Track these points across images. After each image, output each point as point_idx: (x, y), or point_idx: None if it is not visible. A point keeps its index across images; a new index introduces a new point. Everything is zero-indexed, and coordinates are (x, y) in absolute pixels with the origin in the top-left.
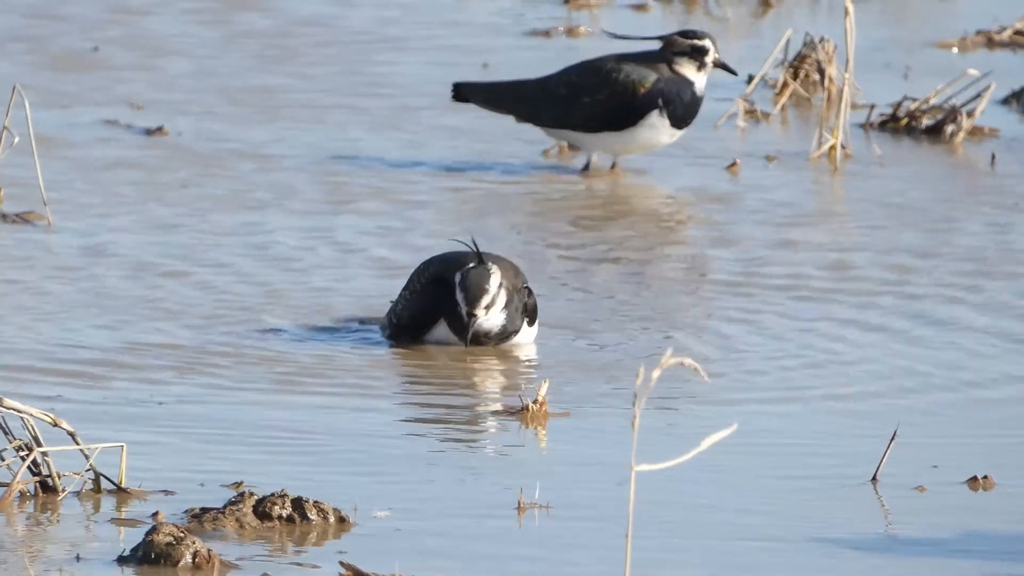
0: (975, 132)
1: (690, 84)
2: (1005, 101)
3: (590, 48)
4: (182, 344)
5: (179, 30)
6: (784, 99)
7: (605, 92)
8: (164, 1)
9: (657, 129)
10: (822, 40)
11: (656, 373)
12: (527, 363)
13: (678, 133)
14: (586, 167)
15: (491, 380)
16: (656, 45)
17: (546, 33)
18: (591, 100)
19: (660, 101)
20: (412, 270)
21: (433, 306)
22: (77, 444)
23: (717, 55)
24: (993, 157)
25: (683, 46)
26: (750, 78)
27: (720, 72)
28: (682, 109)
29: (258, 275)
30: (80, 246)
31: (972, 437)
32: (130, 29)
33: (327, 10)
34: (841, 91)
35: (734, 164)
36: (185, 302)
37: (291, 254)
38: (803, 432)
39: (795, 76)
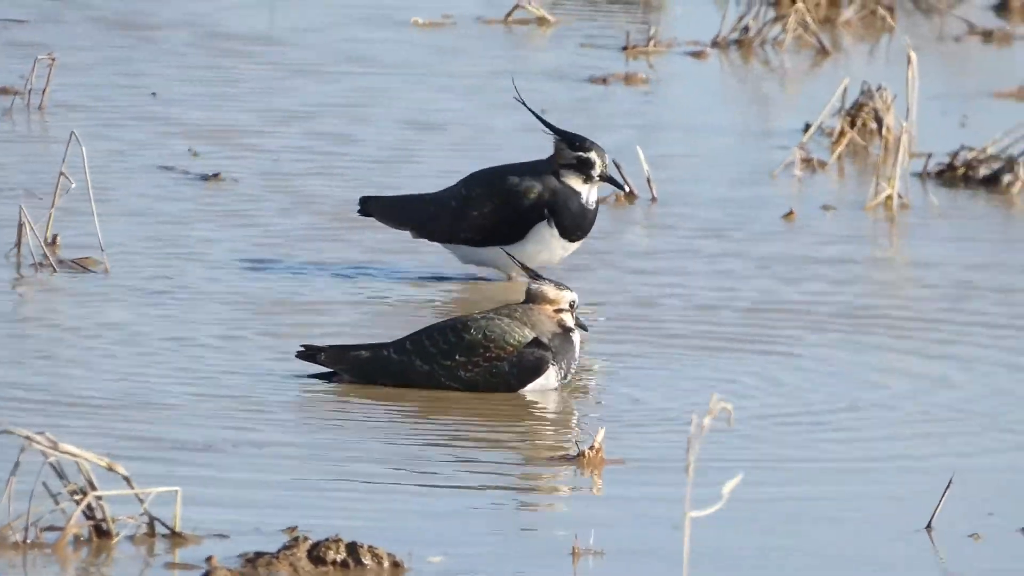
0: None
1: (577, 195)
2: None
3: (647, 95)
4: (236, 389)
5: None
6: (841, 148)
7: (490, 205)
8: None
9: (547, 242)
10: (879, 89)
11: (707, 420)
12: (578, 408)
13: (572, 246)
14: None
15: (547, 426)
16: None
17: (604, 80)
18: (478, 213)
19: (546, 211)
20: None
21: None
22: (132, 488)
23: (605, 168)
24: None
25: (568, 158)
26: (807, 126)
27: (770, 123)
28: (570, 219)
29: (309, 320)
30: (137, 292)
31: None
32: (192, 75)
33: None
34: (898, 140)
35: (790, 213)
36: (241, 348)
37: (335, 309)
38: (856, 478)
39: (852, 125)
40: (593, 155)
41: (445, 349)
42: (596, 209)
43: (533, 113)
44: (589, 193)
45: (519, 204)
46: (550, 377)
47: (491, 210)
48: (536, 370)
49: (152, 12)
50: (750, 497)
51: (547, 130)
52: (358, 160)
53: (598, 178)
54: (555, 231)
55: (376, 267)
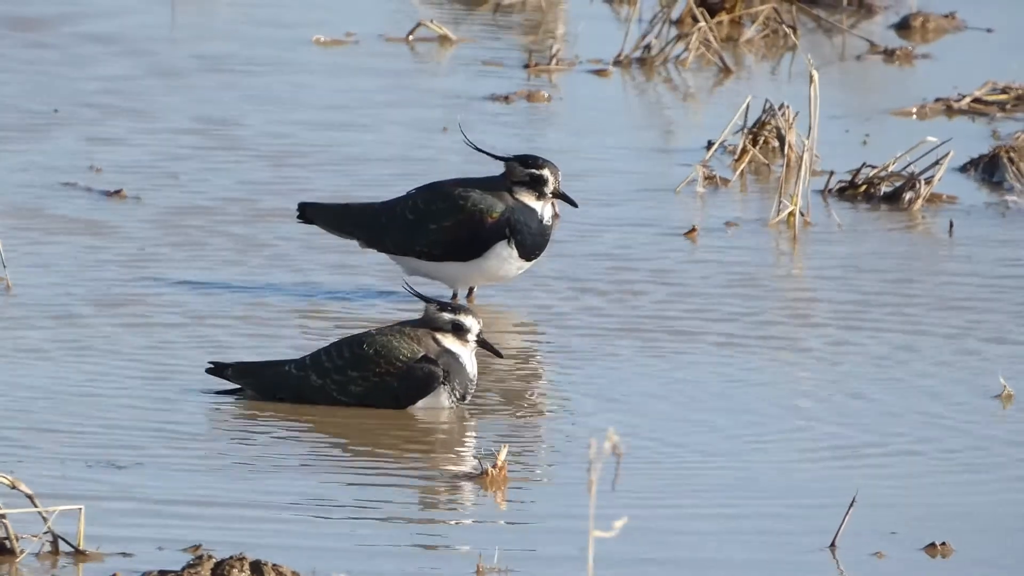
0: (933, 199)
1: (534, 213)
2: (963, 169)
3: (549, 113)
4: (142, 408)
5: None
6: (743, 165)
7: (451, 220)
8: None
9: (504, 260)
10: (782, 107)
11: (608, 445)
12: (484, 427)
13: (527, 264)
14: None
15: (451, 444)
16: (500, 167)
17: (506, 98)
18: (436, 228)
19: (507, 231)
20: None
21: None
22: (35, 506)
23: (557, 185)
24: (951, 224)
25: (521, 176)
26: (710, 144)
27: (672, 141)
28: (530, 239)
29: (220, 342)
30: (40, 308)
31: (930, 501)
32: (94, 90)
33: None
34: (800, 157)
35: (693, 230)
36: (145, 364)
37: (241, 332)
38: (760, 496)
39: (755, 142)
40: (546, 172)
41: (339, 364)
42: (551, 227)
43: (480, 150)
44: (544, 210)
45: (482, 223)
46: (440, 396)
47: (452, 226)
48: (424, 386)
49: (38, 12)
50: (655, 515)
51: (498, 160)
52: (257, 168)
53: (551, 195)
54: (514, 251)
55: (287, 282)
